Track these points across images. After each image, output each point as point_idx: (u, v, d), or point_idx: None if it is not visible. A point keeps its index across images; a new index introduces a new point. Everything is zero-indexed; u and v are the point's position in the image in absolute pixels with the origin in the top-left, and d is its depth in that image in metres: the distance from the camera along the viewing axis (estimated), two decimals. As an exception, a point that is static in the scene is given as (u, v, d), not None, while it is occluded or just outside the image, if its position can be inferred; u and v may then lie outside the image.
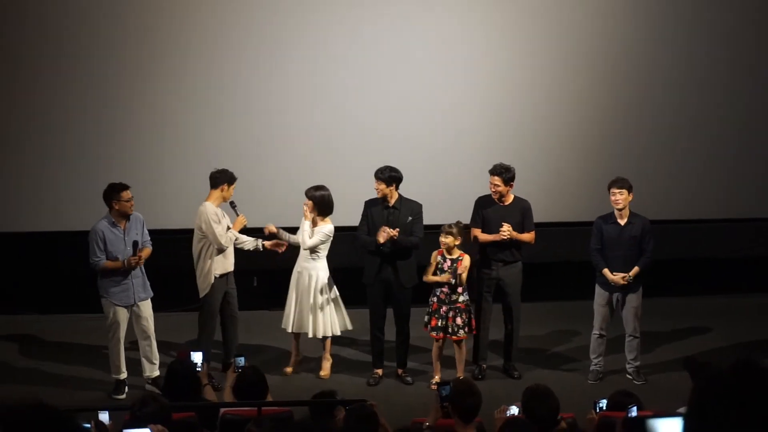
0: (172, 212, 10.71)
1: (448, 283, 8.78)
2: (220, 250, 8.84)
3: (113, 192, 8.56)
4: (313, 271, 9.05)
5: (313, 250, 9.00)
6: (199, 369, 6.93)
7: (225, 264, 8.94)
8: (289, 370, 9.27)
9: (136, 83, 10.80)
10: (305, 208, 9.01)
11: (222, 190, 8.85)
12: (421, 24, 10.99)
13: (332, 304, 9.14)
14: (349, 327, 9.27)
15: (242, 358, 7.23)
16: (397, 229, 8.78)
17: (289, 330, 9.16)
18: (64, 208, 10.71)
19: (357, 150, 10.95)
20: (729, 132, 11.54)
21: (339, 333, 9.26)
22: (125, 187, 8.59)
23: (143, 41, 10.74)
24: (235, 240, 8.97)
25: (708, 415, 1.95)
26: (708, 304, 11.24)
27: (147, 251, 8.78)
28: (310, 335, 9.13)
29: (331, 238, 9.09)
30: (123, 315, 8.68)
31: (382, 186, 8.91)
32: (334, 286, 9.18)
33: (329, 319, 9.12)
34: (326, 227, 9.02)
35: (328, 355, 9.29)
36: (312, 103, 10.98)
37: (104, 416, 6.03)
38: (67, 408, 2.39)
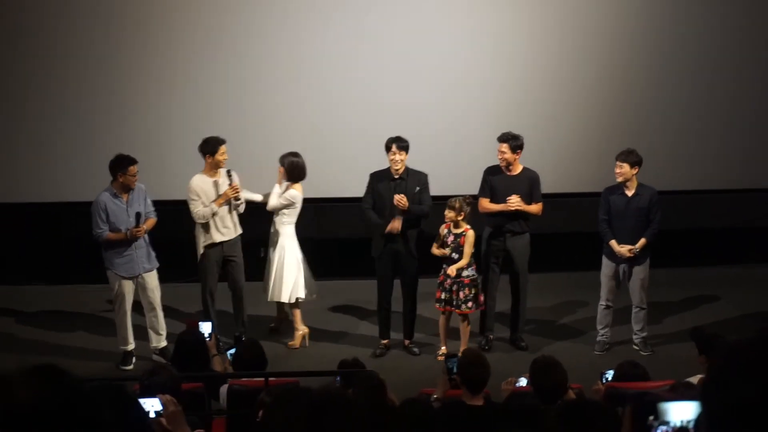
0: (175, 183, 10.69)
1: (450, 258, 8.76)
2: (214, 219, 8.88)
3: (121, 165, 8.54)
4: (279, 237, 9.14)
5: (277, 213, 9.08)
6: (208, 339, 6.95)
7: (214, 235, 8.94)
8: (292, 343, 9.31)
9: (139, 54, 10.75)
10: (279, 173, 9.11)
11: (209, 159, 8.86)
12: (429, 1, 10.94)
13: (294, 270, 9.17)
14: (301, 296, 9.24)
15: (230, 352, 7.20)
16: (404, 197, 8.78)
17: (270, 299, 9.32)
18: (68, 179, 10.70)
19: (363, 121, 10.91)
20: (740, 102, 11.46)
21: (294, 300, 9.24)
22: (133, 162, 8.57)
23: (154, 16, 10.69)
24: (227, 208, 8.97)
25: (727, 388, 1.93)
26: (716, 274, 11.21)
27: (151, 222, 8.79)
28: (269, 299, 9.30)
29: (298, 205, 9.14)
30: (128, 287, 8.70)
31: (404, 155, 8.88)
32: (302, 256, 9.22)
33: (291, 284, 9.15)
34: (290, 192, 9.09)
35: (299, 325, 9.32)
36: (318, 74, 10.93)
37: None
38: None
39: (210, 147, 8.86)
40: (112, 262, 8.67)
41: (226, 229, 9.00)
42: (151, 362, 8.21)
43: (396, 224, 8.80)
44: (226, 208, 8.96)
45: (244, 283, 9.21)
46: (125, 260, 8.65)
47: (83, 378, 2.38)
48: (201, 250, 9.01)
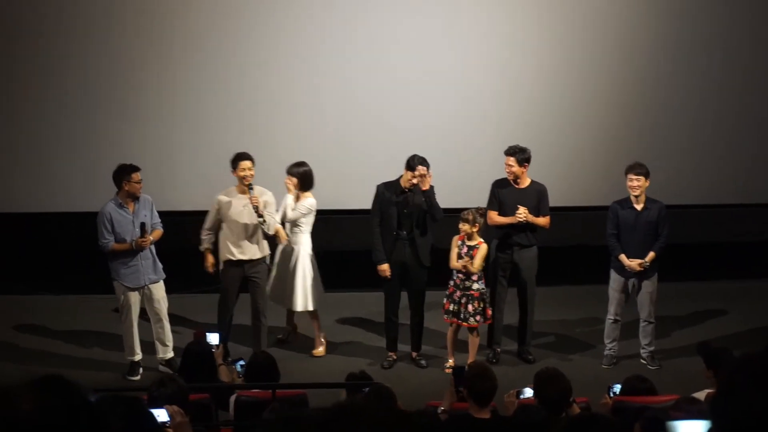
0: (183, 194, 10.73)
1: (461, 271, 8.76)
2: (232, 236, 8.83)
3: (124, 173, 8.56)
4: (296, 246, 9.11)
5: (295, 223, 9.06)
6: (214, 350, 6.96)
7: (233, 251, 8.85)
8: (318, 352, 9.33)
9: (147, 64, 10.78)
10: (289, 184, 9.04)
11: (234, 175, 8.81)
12: (439, 8, 10.95)
13: (311, 280, 9.17)
14: (310, 308, 9.25)
15: (240, 363, 7.22)
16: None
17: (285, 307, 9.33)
18: (76, 189, 10.72)
19: (372, 134, 10.93)
20: (748, 116, 11.47)
21: (311, 309, 9.25)
22: (136, 169, 8.58)
23: (157, 19, 10.72)
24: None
25: (737, 401, 1.93)
26: (724, 288, 11.18)
27: (157, 233, 8.78)
28: (288, 308, 9.30)
29: (314, 212, 9.16)
30: (134, 297, 8.69)
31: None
32: (315, 265, 9.23)
33: (308, 293, 9.16)
34: (308, 201, 9.08)
35: (318, 334, 9.35)
36: (327, 87, 10.94)
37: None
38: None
39: (232, 162, 8.80)
40: (118, 273, 8.67)
41: (245, 247, 8.85)
42: (158, 373, 8.20)
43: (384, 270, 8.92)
44: (244, 225, 8.81)
45: (265, 307, 9.05)
46: (131, 271, 8.64)
47: (90, 389, 2.37)
48: (221, 265, 9.00)
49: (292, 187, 9.07)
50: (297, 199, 9.07)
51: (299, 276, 9.15)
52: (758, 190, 11.60)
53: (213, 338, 7.08)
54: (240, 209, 8.79)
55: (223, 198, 8.86)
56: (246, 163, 8.73)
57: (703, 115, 11.42)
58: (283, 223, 9.04)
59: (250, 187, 8.72)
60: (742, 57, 11.34)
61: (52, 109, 10.77)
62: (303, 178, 9.08)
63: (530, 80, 11.17)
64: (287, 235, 9.09)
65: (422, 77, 10.99)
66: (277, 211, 8.98)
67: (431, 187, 8.82)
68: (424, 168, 8.72)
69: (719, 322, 10.32)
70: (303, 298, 9.17)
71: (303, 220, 9.10)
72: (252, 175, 8.74)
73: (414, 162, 8.80)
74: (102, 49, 10.68)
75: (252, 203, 8.67)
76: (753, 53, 11.35)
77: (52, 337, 9.73)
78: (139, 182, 8.57)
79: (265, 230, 8.82)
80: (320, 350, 9.32)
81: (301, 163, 9.15)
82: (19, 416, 2.19)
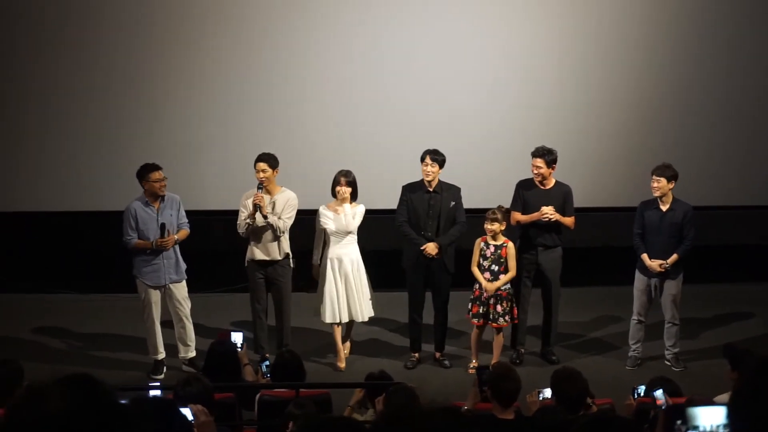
0: (207, 194, 10.78)
1: (490, 270, 8.74)
2: (253, 235, 8.85)
3: (143, 172, 8.59)
4: (354, 255, 9.01)
5: (351, 232, 8.97)
6: (239, 349, 6.98)
7: (254, 251, 8.87)
8: (342, 365, 9.07)
9: (175, 61, 10.84)
10: (346, 193, 8.89)
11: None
12: (464, 10, 10.94)
13: (368, 287, 9.15)
14: (372, 314, 9.20)
15: (265, 363, 7.20)
16: (436, 246, 8.79)
17: (339, 321, 9.01)
18: (105, 188, 10.77)
19: (395, 134, 10.94)
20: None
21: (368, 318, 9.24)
22: (155, 168, 8.58)
23: (186, 17, 10.77)
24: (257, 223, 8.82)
25: (757, 400, 1.93)
26: (750, 290, 11.12)
27: (183, 233, 8.78)
28: (355, 319, 9.10)
29: None
30: (155, 296, 8.71)
31: (436, 168, 8.88)
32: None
33: (367, 304, 9.12)
34: (362, 208, 8.99)
35: (348, 343, 9.29)
36: (350, 86, 10.97)
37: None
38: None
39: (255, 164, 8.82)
40: (139, 271, 8.71)
41: (265, 247, 8.84)
42: (182, 372, 8.23)
43: (431, 248, 8.80)
44: (263, 226, 8.77)
45: (288, 308, 9.04)
46: (152, 269, 8.68)
47: (116, 387, 2.38)
48: (246, 264, 9.02)
49: (346, 194, 8.90)
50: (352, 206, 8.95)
51: (363, 285, 9.05)
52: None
53: (237, 338, 7.09)
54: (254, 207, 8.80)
55: (246, 198, 8.88)
56: (260, 165, 8.73)
57: (728, 115, 11.36)
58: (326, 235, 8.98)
59: (259, 186, 8.72)
60: (765, 61, 11.27)
61: (76, 109, 10.84)
62: (355, 187, 8.97)
63: (554, 82, 11.14)
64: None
65: (446, 79, 10.99)
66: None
67: (454, 203, 8.90)
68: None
69: (744, 324, 10.26)
70: (366, 307, 9.11)
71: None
72: (266, 177, 8.71)
73: (424, 154, 8.88)
74: (130, 46, 10.75)
75: (254, 201, 8.68)
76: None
77: (76, 336, 9.79)
78: (158, 181, 8.56)
79: (276, 232, 8.78)
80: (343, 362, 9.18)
81: (349, 172, 8.98)
82: (48, 414, 2.21)
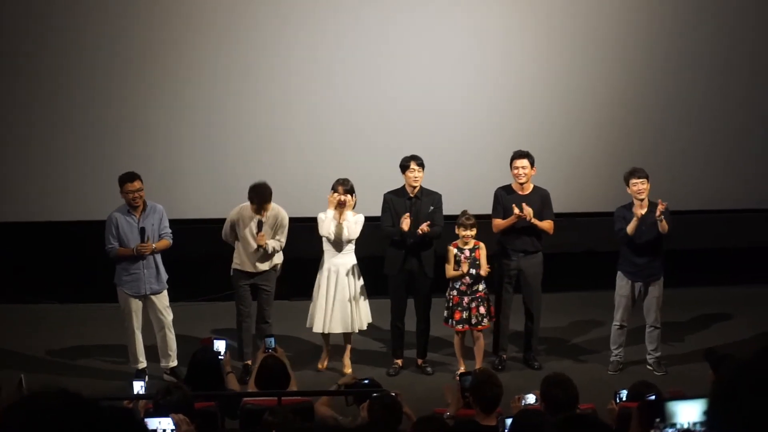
0: (188, 202, 10.75)
1: (469, 274, 8.76)
2: (243, 251, 8.86)
3: (120, 183, 8.58)
4: (351, 264, 9.03)
5: (350, 240, 8.97)
6: (222, 357, 6.97)
7: (243, 262, 8.89)
8: (323, 366, 9.20)
9: (155, 72, 10.80)
10: (349, 201, 8.89)
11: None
12: (440, 13, 10.96)
13: (364, 296, 9.15)
14: (370, 320, 9.25)
15: (272, 339, 7.21)
16: (428, 223, 8.79)
17: (324, 331, 9.05)
18: (84, 198, 10.74)
19: (376, 141, 10.95)
20: (753, 121, 11.48)
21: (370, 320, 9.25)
22: (129, 179, 8.53)
23: (171, 29, 10.75)
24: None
25: (734, 401, 1.94)
26: (730, 294, 11.18)
27: (163, 243, 8.72)
28: (350, 330, 9.07)
29: None
30: (135, 305, 8.68)
31: (421, 172, 8.90)
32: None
33: (364, 313, 9.13)
34: (362, 216, 9.00)
35: (348, 352, 9.26)
36: (332, 93, 10.97)
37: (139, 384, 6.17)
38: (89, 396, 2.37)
39: (260, 200, 8.75)
40: (120, 279, 8.68)
41: (255, 263, 8.88)
42: (163, 381, 8.21)
43: (407, 223, 8.78)
44: (252, 237, 8.81)
45: (270, 313, 9.06)
46: (132, 278, 8.65)
47: (97, 400, 2.36)
48: (232, 272, 9.01)
49: (350, 204, 8.90)
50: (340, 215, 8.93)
51: (358, 295, 9.05)
52: (763, 195, 11.58)
53: (220, 345, 7.07)
54: (252, 227, 8.82)
55: (239, 215, 8.87)
56: (268, 205, 8.75)
57: (709, 119, 11.42)
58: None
59: (260, 225, 8.74)
60: (745, 62, 11.35)
61: (58, 119, 10.80)
62: (353, 194, 8.96)
63: (533, 86, 11.17)
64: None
65: (426, 84, 11.01)
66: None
67: (433, 207, 8.92)
68: (342, 195, 8.78)
69: (725, 327, 10.32)
70: (361, 317, 9.11)
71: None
72: (264, 214, 8.75)
73: (406, 161, 8.92)
74: (113, 56, 10.70)
75: (258, 243, 8.73)
76: (756, 58, 11.35)
77: (59, 346, 9.76)
78: (131, 192, 8.50)
79: (267, 250, 8.83)
80: (350, 368, 9.19)
81: (347, 180, 8.99)
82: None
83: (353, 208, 8.97)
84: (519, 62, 11.14)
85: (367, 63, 10.97)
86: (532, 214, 8.88)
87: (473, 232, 8.78)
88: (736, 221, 11.74)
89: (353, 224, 8.91)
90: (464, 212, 8.88)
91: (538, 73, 11.16)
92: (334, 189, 8.91)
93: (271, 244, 8.79)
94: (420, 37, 10.97)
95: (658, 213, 8.65)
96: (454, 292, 8.85)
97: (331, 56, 10.91)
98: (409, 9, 10.93)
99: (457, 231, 8.86)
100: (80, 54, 10.70)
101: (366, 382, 6.60)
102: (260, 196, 8.70)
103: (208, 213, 10.04)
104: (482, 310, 8.81)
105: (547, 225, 9.08)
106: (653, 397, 5.96)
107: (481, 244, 8.86)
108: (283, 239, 8.90)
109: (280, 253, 9.00)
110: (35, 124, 10.83)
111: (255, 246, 8.79)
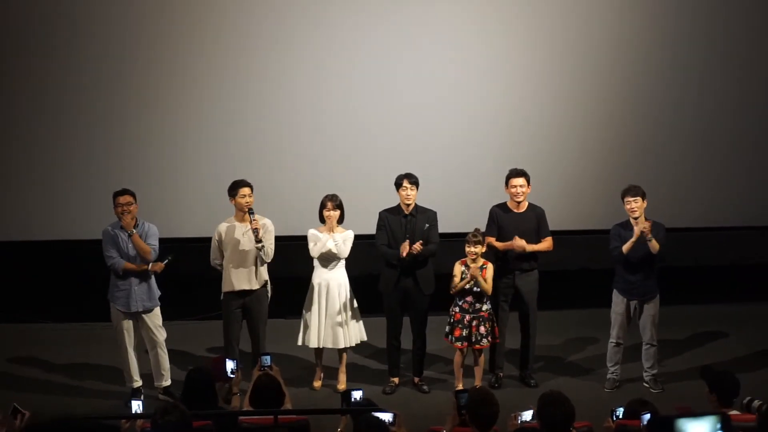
0: (185, 220, 10.74)
1: (471, 290, 8.73)
2: (232, 264, 8.78)
3: (113, 198, 8.55)
4: (342, 279, 9.01)
5: (337, 256, 8.94)
6: (232, 376, 6.93)
7: (233, 282, 8.76)
8: (318, 384, 9.16)
9: (150, 90, 10.83)
10: (334, 217, 8.88)
11: (232, 203, 8.76)
12: (435, 31, 10.99)
13: (356, 312, 9.12)
14: (364, 338, 9.23)
15: (268, 357, 7.18)
16: (420, 242, 8.78)
17: (319, 346, 9.03)
18: (78, 217, 10.72)
19: (371, 159, 10.96)
20: (747, 139, 11.52)
21: (359, 342, 9.21)
22: (121, 193, 8.52)
23: (156, 47, 10.78)
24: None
25: None
26: (725, 311, 11.17)
27: (156, 265, 8.64)
28: (341, 346, 9.03)
29: None
30: (127, 323, 8.63)
31: (415, 191, 8.90)
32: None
33: (355, 328, 9.10)
34: (351, 233, 8.98)
35: (344, 367, 9.24)
36: (325, 111, 10.99)
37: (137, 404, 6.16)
38: (89, 416, 2.36)
39: (230, 190, 8.73)
40: (112, 295, 8.63)
41: (246, 276, 8.77)
42: (158, 401, 8.16)
43: (406, 246, 8.74)
44: (245, 253, 8.74)
45: (263, 334, 8.94)
46: (122, 295, 8.58)
47: (93, 417, 2.34)
48: (222, 296, 8.94)
49: (333, 219, 8.89)
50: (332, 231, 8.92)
51: (348, 311, 9.01)
52: (759, 212, 11.60)
53: (230, 364, 7.03)
54: (240, 237, 8.74)
55: (223, 226, 8.82)
56: (245, 190, 8.67)
57: (703, 138, 11.45)
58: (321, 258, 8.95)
59: (250, 211, 8.64)
60: (742, 79, 11.38)
61: (48, 136, 10.83)
62: (342, 210, 8.96)
63: (528, 104, 11.20)
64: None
65: (418, 101, 11.03)
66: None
67: (428, 225, 8.91)
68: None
69: (722, 345, 10.31)
70: (351, 333, 9.06)
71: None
72: (251, 201, 8.70)
73: (399, 179, 8.93)
74: (103, 70, 10.74)
75: (252, 227, 8.62)
76: (745, 81, 11.40)
77: (54, 365, 9.71)
78: (121, 205, 8.46)
79: (263, 257, 8.74)
80: (344, 384, 9.11)
81: (336, 195, 8.96)
82: None
83: (341, 223, 8.95)
84: (515, 80, 11.16)
85: (361, 83, 10.98)
86: (526, 248, 8.89)
87: (478, 248, 8.75)
88: (732, 239, 11.74)
89: (342, 243, 8.89)
90: (475, 229, 8.87)
91: (535, 90, 11.18)
92: (323, 205, 8.90)
93: (267, 244, 8.69)
94: (414, 55, 10.99)
95: (646, 233, 8.65)
96: (456, 309, 8.83)
97: (322, 77, 10.92)
98: (404, 29, 10.96)
99: (466, 248, 8.83)
100: (68, 69, 10.73)
101: (360, 391, 6.53)
102: (234, 184, 8.68)
103: (203, 232, 9.99)
104: (482, 330, 8.77)
105: (545, 245, 9.08)
106: (648, 415, 5.95)
107: (489, 265, 8.83)
108: (271, 245, 8.79)
109: (267, 274, 8.91)
110: (23, 142, 10.82)
111: (247, 247, 8.66)
